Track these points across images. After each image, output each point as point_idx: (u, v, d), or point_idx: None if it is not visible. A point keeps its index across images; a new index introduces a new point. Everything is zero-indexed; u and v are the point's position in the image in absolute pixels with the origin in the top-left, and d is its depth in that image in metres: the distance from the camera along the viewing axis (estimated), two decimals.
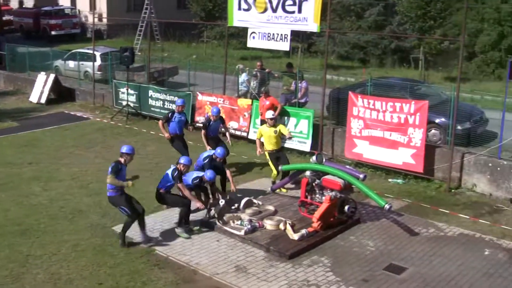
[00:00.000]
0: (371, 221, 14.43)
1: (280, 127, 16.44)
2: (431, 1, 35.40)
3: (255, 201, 15.03)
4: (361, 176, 13.99)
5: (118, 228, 13.76)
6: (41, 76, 28.87)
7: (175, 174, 13.34)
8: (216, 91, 22.82)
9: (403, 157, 16.84)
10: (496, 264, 12.34)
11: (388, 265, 12.28)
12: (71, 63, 30.97)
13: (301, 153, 19.24)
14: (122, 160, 12.99)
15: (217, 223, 13.77)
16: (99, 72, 28.95)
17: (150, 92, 24.17)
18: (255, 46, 22.16)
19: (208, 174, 13.92)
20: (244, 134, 21.04)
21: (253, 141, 20.08)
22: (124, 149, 13.13)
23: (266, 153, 16.44)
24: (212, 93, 22.56)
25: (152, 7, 42.21)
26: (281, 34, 20.12)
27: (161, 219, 14.41)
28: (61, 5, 53.56)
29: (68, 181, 17.15)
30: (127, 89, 24.60)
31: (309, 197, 14.41)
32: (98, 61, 29.39)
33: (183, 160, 13.75)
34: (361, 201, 15.25)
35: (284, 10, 19.47)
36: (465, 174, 16.73)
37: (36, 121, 24.77)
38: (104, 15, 48.75)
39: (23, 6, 58.20)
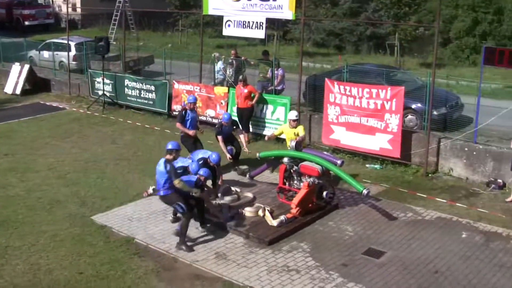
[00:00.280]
0: (350, 206, 14.52)
1: (299, 129, 15.34)
2: None
3: (233, 188, 15.04)
4: (339, 162, 14.07)
5: (97, 217, 13.78)
6: (16, 67, 28.58)
7: (199, 183, 12.89)
8: (193, 79, 22.77)
9: (380, 142, 16.95)
10: (473, 247, 12.48)
11: (367, 249, 12.38)
12: (46, 54, 30.68)
13: (279, 140, 19.23)
14: (171, 157, 12.64)
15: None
16: (74, 62, 28.73)
17: (126, 82, 24.06)
18: (231, 34, 22.13)
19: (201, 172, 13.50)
20: None
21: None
22: (170, 145, 12.83)
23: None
24: (189, 81, 22.50)
25: None
26: (257, 22, 20.10)
27: (140, 207, 14.39)
28: None
29: (45, 171, 17.04)
30: (103, 79, 24.47)
31: (287, 183, 14.47)
32: (73, 51, 29.12)
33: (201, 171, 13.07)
34: (339, 187, 15.32)
35: None
36: (441, 159, 16.87)
37: (11, 112, 24.55)
38: (78, 4, 48.33)
39: None
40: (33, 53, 31.54)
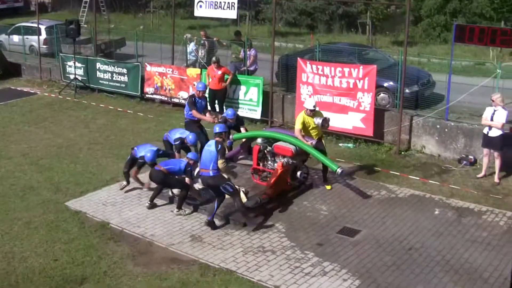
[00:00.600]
0: (324, 185, 14.58)
1: (318, 114, 14.41)
2: None
3: None
4: (313, 142, 14.10)
5: (71, 203, 13.72)
6: None
7: (188, 169, 13.21)
8: (165, 61, 22.63)
9: (353, 121, 17.03)
10: (445, 223, 12.64)
11: (341, 228, 12.48)
12: (16, 38, 30.22)
13: (252, 120, 19.28)
14: (220, 139, 12.73)
15: (170, 193, 13.80)
16: (44, 46, 28.37)
17: (98, 65, 23.86)
18: (203, 15, 22.07)
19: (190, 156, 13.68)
20: None
21: None
22: (218, 129, 12.97)
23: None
24: (161, 63, 22.38)
25: None
26: (228, 2, 20.03)
27: (114, 192, 14.34)
28: None
29: (17, 158, 16.89)
30: (74, 63, 24.22)
31: (261, 164, 14.49)
32: (43, 35, 28.75)
33: (190, 155, 13.56)
34: (313, 166, 15.38)
35: None
36: (414, 136, 17.00)
37: None
38: None
39: None
40: (2, 37, 31.08)
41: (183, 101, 21.08)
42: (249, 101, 19.52)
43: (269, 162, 14.32)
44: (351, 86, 16.91)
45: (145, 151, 13.75)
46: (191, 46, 23.16)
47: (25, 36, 29.21)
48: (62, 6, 46.97)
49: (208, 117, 15.90)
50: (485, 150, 14.96)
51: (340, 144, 17.54)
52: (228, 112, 15.84)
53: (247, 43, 20.88)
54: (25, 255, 11.58)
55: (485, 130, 14.77)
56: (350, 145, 17.44)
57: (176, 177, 13.24)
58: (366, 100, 16.73)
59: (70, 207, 13.53)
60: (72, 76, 24.30)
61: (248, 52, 20.77)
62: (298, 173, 13.97)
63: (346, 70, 16.98)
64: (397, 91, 17.46)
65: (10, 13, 46.20)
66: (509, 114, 14.77)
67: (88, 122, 20.33)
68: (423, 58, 25.51)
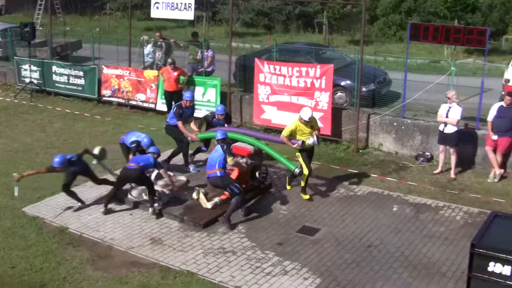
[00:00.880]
0: (283, 185, 14.62)
1: (313, 122, 13.88)
2: None
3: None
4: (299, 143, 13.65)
5: (28, 209, 13.51)
6: None
7: (158, 162, 13.33)
8: (122, 63, 22.47)
9: None
10: (404, 219, 12.79)
11: (301, 227, 12.53)
12: None
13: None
14: (224, 143, 13.07)
15: (129, 196, 13.68)
16: None
17: (54, 68, 23.58)
18: (159, 16, 21.98)
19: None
20: (152, 105, 20.86)
21: (162, 112, 20.03)
22: (220, 135, 13.29)
23: (297, 151, 13.89)
24: (118, 66, 22.22)
25: None
26: (185, 3, 20.02)
27: None
28: None
29: None
30: (30, 66, 23.91)
31: None
32: None
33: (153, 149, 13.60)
34: (272, 166, 15.41)
35: None
36: (371, 134, 17.16)
37: None
38: None
39: None
40: None
41: (140, 104, 21.01)
42: (207, 102, 19.49)
43: (227, 164, 14.28)
44: (308, 85, 17.00)
45: (139, 137, 14.19)
46: (148, 48, 23.05)
47: None
48: (17, 8, 46.34)
49: (191, 134, 15.22)
50: (441, 147, 15.18)
51: None
52: (218, 108, 15.54)
53: (205, 44, 20.88)
54: None
55: (441, 127, 14.98)
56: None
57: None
58: (324, 99, 16.83)
59: (27, 213, 13.32)
60: (27, 80, 23.98)
61: (205, 53, 20.76)
62: (257, 173, 13.99)
63: (304, 69, 17.07)
64: (354, 89, 17.60)
65: None
66: (464, 110, 15.01)
67: (44, 126, 20.07)
68: (380, 56, 25.78)
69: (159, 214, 13.05)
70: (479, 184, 14.72)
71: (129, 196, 13.66)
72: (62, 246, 11.93)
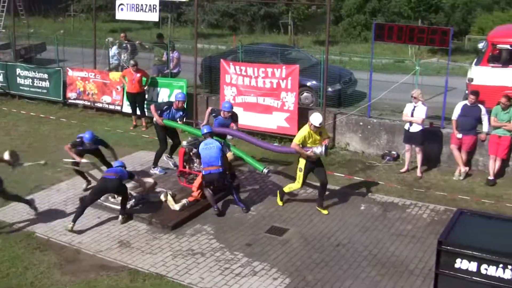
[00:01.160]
0: (251, 186, 14.65)
1: (322, 128, 13.15)
2: None
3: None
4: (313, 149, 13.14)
5: None
6: None
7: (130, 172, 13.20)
8: (87, 65, 22.29)
9: (278, 121, 17.18)
10: (371, 218, 12.88)
11: (270, 227, 12.55)
12: None
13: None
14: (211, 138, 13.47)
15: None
16: None
17: (18, 70, 23.29)
18: (124, 18, 21.84)
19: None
20: (118, 108, 20.73)
21: (128, 114, 19.93)
22: (205, 130, 13.56)
23: (301, 161, 13.23)
24: (83, 68, 22.04)
25: None
26: (150, 5, 19.96)
27: (39, 200, 13.96)
28: None
29: None
30: None
31: (187, 167, 14.44)
32: None
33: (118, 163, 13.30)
34: (240, 167, 15.42)
35: None
36: (338, 134, 17.25)
37: None
38: None
39: None
40: None
41: (106, 106, 20.88)
42: None
43: (195, 165, 14.28)
44: (274, 86, 17.04)
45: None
46: (113, 50, 22.91)
47: None
48: None
49: (158, 117, 15.04)
50: (407, 146, 15.32)
51: None
52: (225, 105, 14.90)
53: (170, 45, 20.81)
54: None
55: (406, 126, 15.12)
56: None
57: None
58: (290, 100, 16.89)
59: None
60: None
61: (171, 55, 20.70)
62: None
63: (269, 70, 17.11)
64: (320, 90, 17.68)
65: None
66: (429, 109, 15.18)
67: (9, 129, 19.82)
68: (345, 57, 25.94)
69: (128, 217, 12.95)
70: (445, 182, 14.89)
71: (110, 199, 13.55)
72: (29, 251, 11.78)
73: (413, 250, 11.51)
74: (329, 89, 17.79)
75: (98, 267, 11.15)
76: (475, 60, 17.81)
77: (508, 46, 16.51)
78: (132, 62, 19.74)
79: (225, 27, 40.58)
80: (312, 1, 36.32)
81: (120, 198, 12.97)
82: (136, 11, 20.39)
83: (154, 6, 19.92)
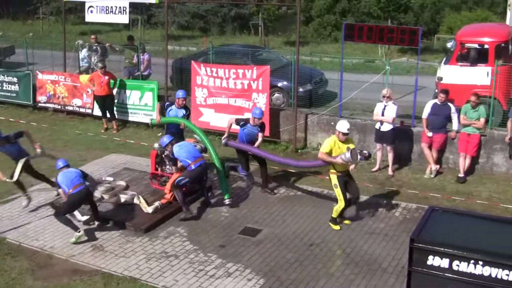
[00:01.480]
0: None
1: (349, 139, 12.69)
2: None
3: (105, 177, 14.80)
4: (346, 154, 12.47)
5: None
6: None
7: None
8: (57, 68, 22.11)
9: None
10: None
11: (243, 228, 12.55)
12: None
13: (148, 125, 19.06)
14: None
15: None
16: None
17: None
18: (94, 20, 21.74)
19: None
20: (89, 111, 20.58)
21: (99, 117, 19.79)
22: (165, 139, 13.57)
23: (332, 176, 12.48)
24: (53, 71, 21.85)
25: None
26: (120, 7, 19.89)
27: (10, 206, 13.86)
28: None
29: None
30: None
31: (159, 169, 14.41)
32: None
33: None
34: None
35: None
36: (309, 134, 17.30)
37: None
38: None
39: None
40: None
41: (77, 109, 20.73)
42: (144, 106, 19.34)
43: (167, 167, 14.25)
44: (245, 87, 17.05)
45: None
46: (83, 52, 22.76)
47: None
48: None
49: (157, 116, 15.35)
50: (378, 145, 15.42)
51: None
52: (255, 111, 14.16)
53: (140, 47, 20.72)
54: None
55: (377, 125, 15.22)
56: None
57: None
58: (261, 101, 16.91)
59: None
60: None
61: (141, 57, 20.62)
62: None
63: (240, 71, 17.12)
64: (291, 90, 17.72)
65: None
66: (399, 108, 15.29)
67: None
68: (315, 57, 26.04)
69: (105, 221, 12.81)
70: (416, 180, 15.02)
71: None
72: (0, 257, 11.66)
73: (386, 248, 11.59)
74: (300, 89, 17.84)
75: (71, 272, 11.07)
76: (444, 59, 17.96)
77: (476, 45, 16.67)
78: (100, 64, 19.62)
79: (196, 29, 40.54)
80: (282, 2, 36.42)
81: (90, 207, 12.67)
82: (106, 13, 20.30)
83: (124, 8, 19.85)
